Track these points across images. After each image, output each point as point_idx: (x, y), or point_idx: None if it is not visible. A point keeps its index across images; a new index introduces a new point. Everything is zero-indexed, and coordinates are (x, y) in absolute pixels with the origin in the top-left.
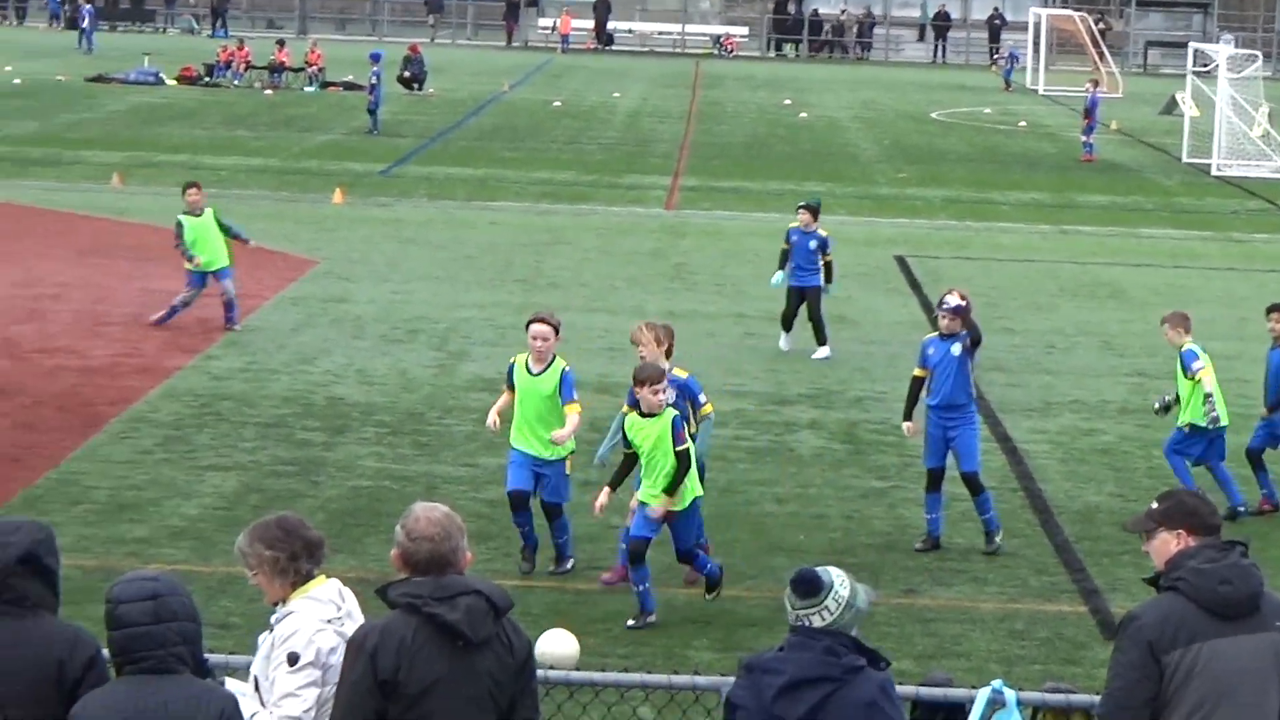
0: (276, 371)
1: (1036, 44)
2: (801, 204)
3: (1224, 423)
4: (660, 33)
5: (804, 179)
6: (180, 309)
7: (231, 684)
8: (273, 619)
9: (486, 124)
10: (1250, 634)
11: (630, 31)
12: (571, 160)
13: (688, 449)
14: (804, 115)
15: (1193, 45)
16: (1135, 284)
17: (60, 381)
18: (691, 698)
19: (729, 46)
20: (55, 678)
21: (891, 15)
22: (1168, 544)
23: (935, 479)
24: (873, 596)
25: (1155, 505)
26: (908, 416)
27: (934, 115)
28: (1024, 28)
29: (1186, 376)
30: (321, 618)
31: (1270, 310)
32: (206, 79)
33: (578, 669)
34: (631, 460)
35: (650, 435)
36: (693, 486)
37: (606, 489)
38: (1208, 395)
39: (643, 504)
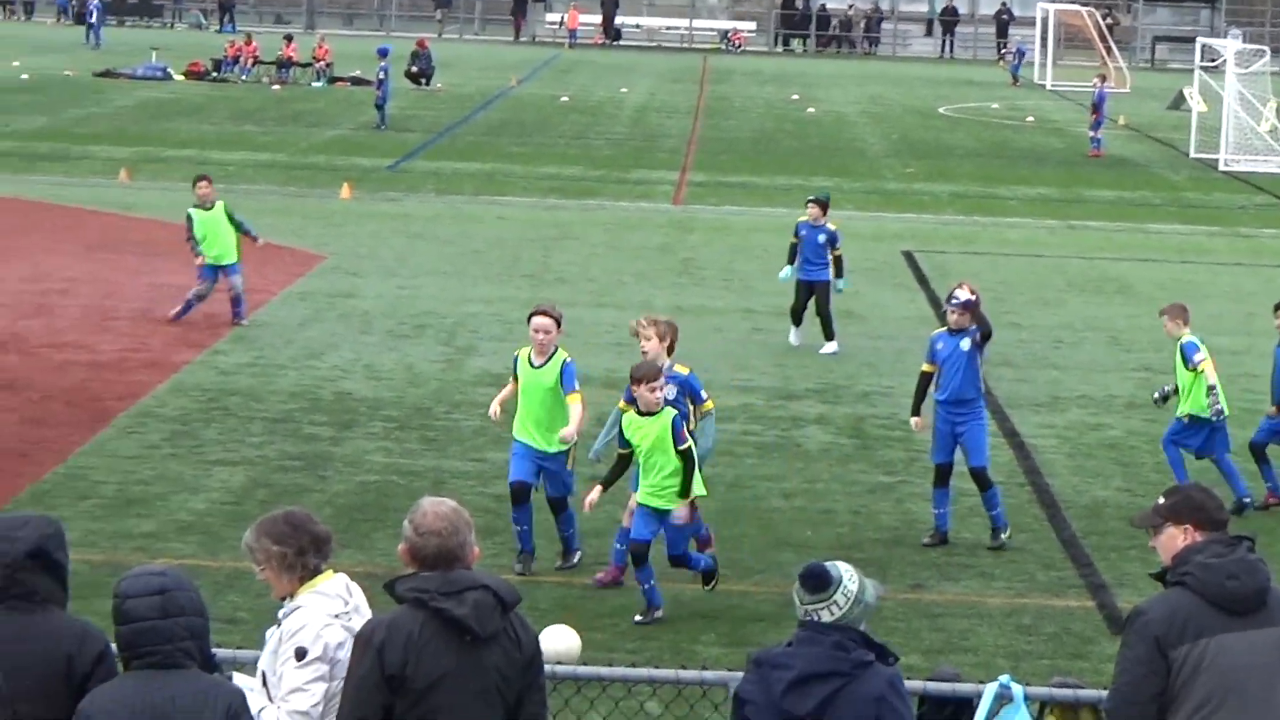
0: (284, 366)
1: (1044, 39)
2: (811, 198)
3: (1226, 413)
4: (668, 28)
5: (811, 174)
6: (195, 303)
7: (239, 679)
8: (280, 614)
9: (494, 119)
10: (1258, 629)
11: (638, 26)
12: (579, 155)
13: (690, 447)
14: (811, 110)
15: (1200, 40)
16: (1143, 279)
17: (68, 376)
18: (699, 693)
19: (736, 41)
20: (64, 673)
21: (899, 10)
22: (1174, 539)
23: (943, 474)
24: (881, 591)
25: (1162, 500)
26: (915, 412)
27: (941, 110)
28: (1032, 23)
29: (1188, 368)
30: (329, 612)
31: (1277, 308)
32: (214, 74)
33: (584, 664)
34: (626, 460)
35: (649, 434)
36: (696, 486)
37: (598, 486)
38: (1211, 387)
39: (641, 504)
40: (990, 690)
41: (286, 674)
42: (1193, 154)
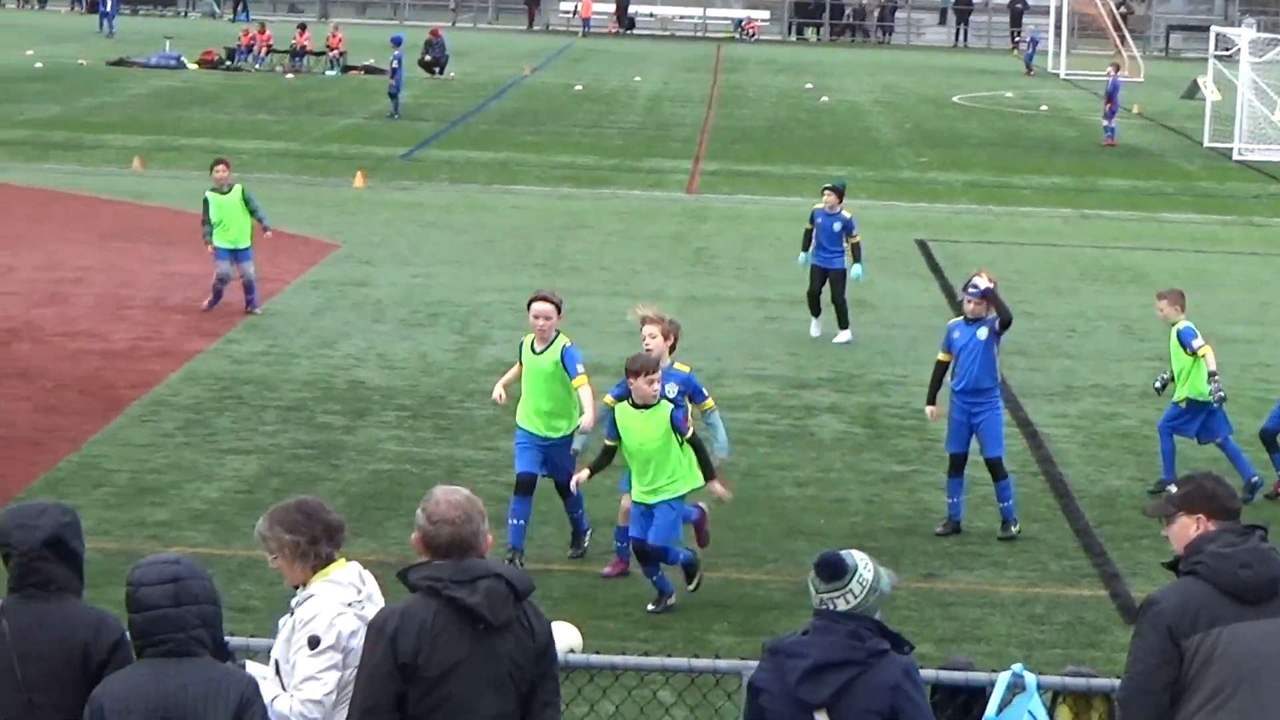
0: (297, 355)
1: (1058, 28)
2: (827, 185)
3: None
4: (681, 16)
5: (825, 163)
6: (222, 287)
7: (252, 667)
8: (293, 602)
9: (508, 108)
10: (1270, 618)
11: (651, 15)
12: (593, 144)
13: (695, 434)
14: (825, 99)
15: (1215, 29)
16: (1156, 268)
17: (82, 365)
18: (712, 681)
19: (750, 30)
20: (80, 661)
21: None
22: (1187, 528)
23: (958, 464)
24: (896, 580)
25: (1175, 490)
26: (931, 400)
27: (955, 99)
28: (1046, 11)
29: (1187, 353)
30: (342, 601)
31: None
32: (228, 63)
33: (596, 652)
34: (611, 452)
35: (645, 427)
36: (694, 475)
37: (587, 469)
38: (1213, 373)
39: (636, 503)
40: (1003, 679)
41: (299, 662)
42: (1207, 143)
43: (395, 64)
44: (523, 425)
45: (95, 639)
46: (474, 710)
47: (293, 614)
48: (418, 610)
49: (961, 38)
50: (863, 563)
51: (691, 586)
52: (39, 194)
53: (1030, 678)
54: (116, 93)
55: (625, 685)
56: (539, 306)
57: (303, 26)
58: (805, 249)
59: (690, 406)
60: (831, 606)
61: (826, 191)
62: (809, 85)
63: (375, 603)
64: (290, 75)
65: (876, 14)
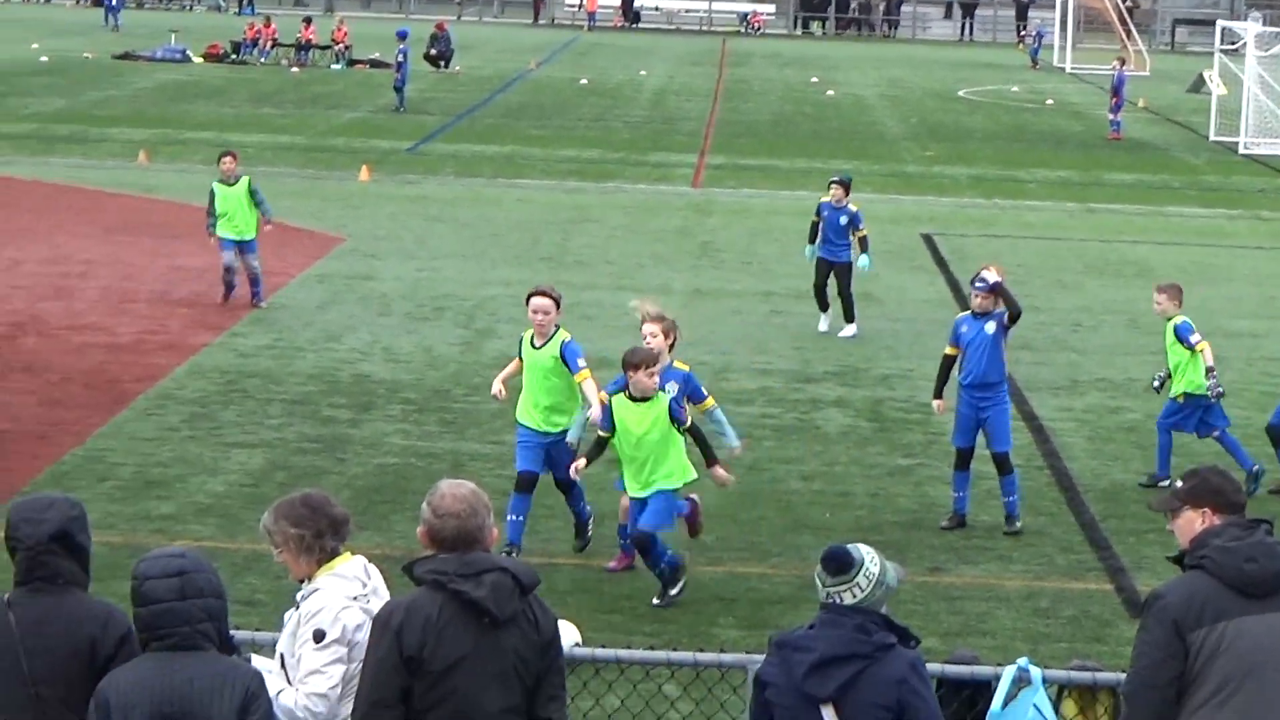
0: (302, 349)
1: (1064, 22)
2: (834, 179)
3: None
4: (687, 10)
5: (831, 157)
6: (231, 278)
7: (257, 661)
8: (298, 596)
9: (513, 101)
10: (1276, 612)
11: (657, 9)
12: (598, 138)
13: (693, 423)
14: (831, 93)
15: (1220, 23)
16: (1162, 262)
17: (87, 358)
18: (717, 675)
19: (756, 24)
20: (88, 655)
21: None
22: (1192, 522)
23: (964, 458)
24: (902, 574)
25: (1180, 484)
26: (938, 394)
27: (961, 93)
28: (1051, 5)
29: (1184, 347)
30: (347, 594)
31: None
32: (233, 56)
33: (602, 646)
34: (603, 443)
35: (643, 419)
36: (688, 470)
37: (584, 458)
38: (1210, 369)
39: (634, 498)
40: (1008, 673)
41: (305, 656)
42: (1213, 137)
43: (400, 58)
44: (522, 420)
45: (102, 633)
46: (479, 704)
47: (298, 608)
48: (423, 604)
49: (967, 31)
50: (869, 556)
51: (661, 600)
52: (44, 187)
53: (1035, 672)
54: (122, 86)
55: (630, 679)
56: (537, 301)
57: (308, 20)
58: (812, 242)
59: (691, 408)
60: (838, 600)
61: (833, 185)
62: (814, 79)
63: (380, 596)
64: (295, 69)
65: (882, 8)
